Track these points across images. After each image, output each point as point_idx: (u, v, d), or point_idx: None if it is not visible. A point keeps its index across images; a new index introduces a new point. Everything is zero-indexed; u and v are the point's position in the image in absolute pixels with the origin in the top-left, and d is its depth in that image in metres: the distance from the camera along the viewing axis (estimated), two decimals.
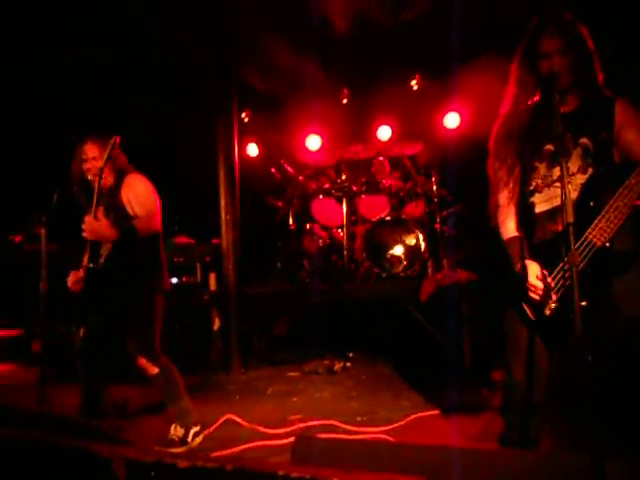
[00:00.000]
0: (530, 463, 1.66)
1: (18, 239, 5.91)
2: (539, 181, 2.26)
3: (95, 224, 2.85)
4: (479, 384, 4.12)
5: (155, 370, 3.03)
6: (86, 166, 3.04)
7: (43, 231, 2.91)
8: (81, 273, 2.97)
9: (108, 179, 3.08)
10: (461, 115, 6.53)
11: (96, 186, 2.92)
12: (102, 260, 3.06)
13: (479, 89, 5.89)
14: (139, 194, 3.05)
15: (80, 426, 1.68)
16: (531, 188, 2.28)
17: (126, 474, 1.25)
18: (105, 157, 2.90)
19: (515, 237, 2.29)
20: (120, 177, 3.10)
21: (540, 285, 2.12)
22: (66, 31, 5.43)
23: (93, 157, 3.05)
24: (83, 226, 2.85)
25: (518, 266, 2.22)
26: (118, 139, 2.93)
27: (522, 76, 2.32)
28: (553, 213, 2.21)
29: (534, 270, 2.15)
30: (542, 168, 2.25)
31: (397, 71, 6.72)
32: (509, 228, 2.31)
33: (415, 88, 6.76)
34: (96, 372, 3.16)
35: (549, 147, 2.23)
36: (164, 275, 3.23)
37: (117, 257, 3.03)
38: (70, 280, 2.99)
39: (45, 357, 3.15)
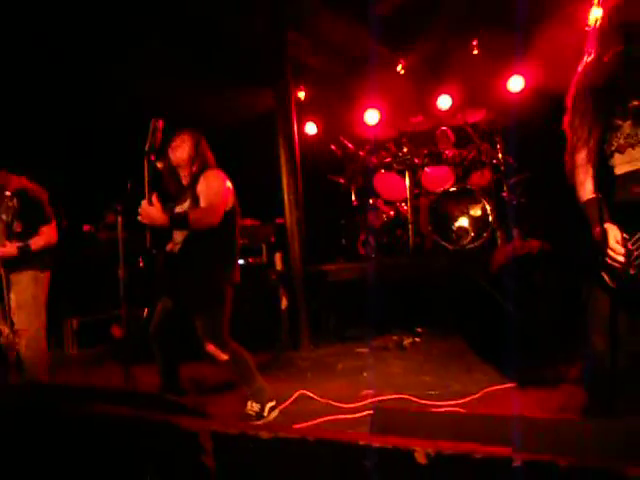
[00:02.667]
0: (618, 432, 1.60)
1: (86, 228, 6.19)
2: (622, 141, 2.10)
3: (148, 208, 2.91)
4: (557, 357, 3.99)
5: (224, 357, 3.08)
6: (174, 156, 3.15)
7: (120, 219, 3.01)
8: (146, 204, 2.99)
9: (184, 169, 3.16)
10: (525, 78, 6.25)
11: (146, 172, 2.95)
12: (177, 247, 3.15)
13: (544, 49, 5.63)
14: (208, 188, 3.08)
15: (166, 402, 1.75)
16: (612, 148, 2.12)
17: (213, 446, 1.29)
18: (149, 140, 2.94)
19: (594, 198, 2.13)
20: (201, 171, 3.15)
21: (621, 250, 1.99)
22: (132, 29, 5.58)
23: (176, 146, 3.14)
24: (139, 210, 2.93)
25: (597, 230, 2.07)
26: (161, 123, 2.96)
27: (605, 26, 2.16)
28: (636, 175, 2.07)
29: (614, 234, 2.02)
30: (626, 127, 2.09)
31: (455, 37, 6.50)
32: (587, 189, 2.17)
33: (475, 53, 6.52)
34: (172, 352, 3.28)
35: (635, 103, 2.07)
36: (235, 267, 3.28)
37: (189, 245, 3.10)
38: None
39: (127, 340, 3.31)
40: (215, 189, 3.08)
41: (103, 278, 5.64)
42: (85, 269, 6.11)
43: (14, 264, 3.63)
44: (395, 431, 1.42)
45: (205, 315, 3.09)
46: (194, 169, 3.16)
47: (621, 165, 2.11)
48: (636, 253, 1.99)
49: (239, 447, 1.28)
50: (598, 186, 2.17)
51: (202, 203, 3.05)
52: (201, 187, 3.09)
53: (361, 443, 1.15)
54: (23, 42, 5.53)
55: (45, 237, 3.70)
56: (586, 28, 2.26)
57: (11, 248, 3.59)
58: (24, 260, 3.64)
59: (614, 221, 2.07)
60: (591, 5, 2.24)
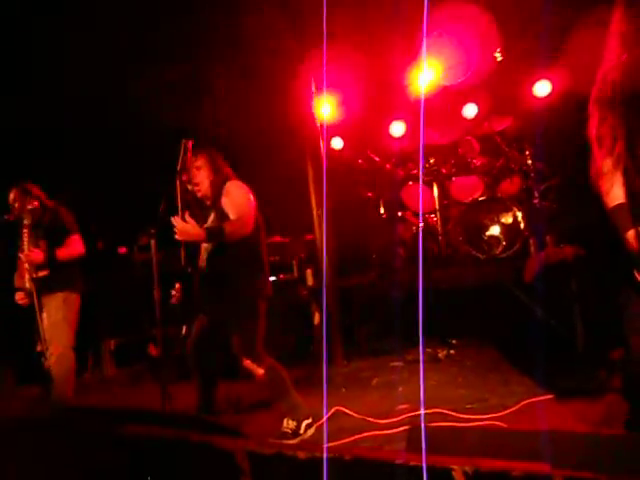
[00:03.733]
0: None
1: (122, 251, 6.34)
2: None
3: (183, 224, 2.97)
4: (596, 365, 3.89)
5: (260, 371, 3.10)
6: (189, 175, 3.19)
7: (153, 242, 3.08)
8: (178, 288, 3.13)
9: (205, 186, 3.21)
10: (552, 82, 6.18)
11: (178, 191, 3.02)
12: (203, 264, 3.20)
13: (571, 52, 5.56)
14: (234, 199, 3.13)
15: (203, 422, 1.78)
16: None
17: (250, 465, 1.31)
18: (181, 160, 3.00)
19: (622, 204, 2.11)
20: (223, 185, 3.21)
21: None
22: (161, 45, 5.73)
23: (197, 167, 3.20)
24: (174, 228, 2.97)
25: (630, 233, 2.06)
26: (190, 143, 3.02)
27: (627, 25, 2.12)
28: None
29: None
30: None
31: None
32: (615, 195, 2.13)
33: (499, 60, 6.47)
34: (209, 370, 3.32)
35: None
36: (266, 279, 3.31)
37: (215, 260, 3.15)
38: (173, 292, 3.17)
39: (164, 359, 3.36)
40: (241, 199, 3.13)
41: (139, 299, 5.75)
42: (121, 291, 6.24)
43: (45, 286, 3.78)
44: (432, 448, 1.41)
45: (240, 330, 3.11)
46: (216, 185, 3.20)
47: None
48: None
49: (276, 467, 1.29)
50: (628, 191, 2.12)
51: (233, 215, 3.08)
52: (226, 200, 3.13)
53: (398, 462, 1.15)
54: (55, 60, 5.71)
55: (71, 248, 3.85)
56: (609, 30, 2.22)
57: (37, 254, 3.76)
58: (52, 278, 3.78)
59: None
60: (615, 6, 2.19)
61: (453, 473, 1.09)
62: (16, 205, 3.92)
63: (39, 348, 3.75)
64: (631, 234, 2.05)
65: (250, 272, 3.20)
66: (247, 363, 3.10)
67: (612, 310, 2.72)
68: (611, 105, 2.13)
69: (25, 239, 3.78)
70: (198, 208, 3.26)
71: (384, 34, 6.01)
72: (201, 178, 3.19)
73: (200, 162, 3.19)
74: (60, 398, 3.64)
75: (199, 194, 3.22)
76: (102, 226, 6.23)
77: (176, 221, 2.94)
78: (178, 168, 2.99)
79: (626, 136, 2.11)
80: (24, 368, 4.29)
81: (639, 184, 2.11)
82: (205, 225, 3.15)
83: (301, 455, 1.27)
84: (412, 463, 1.15)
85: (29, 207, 3.77)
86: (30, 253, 3.75)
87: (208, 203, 3.24)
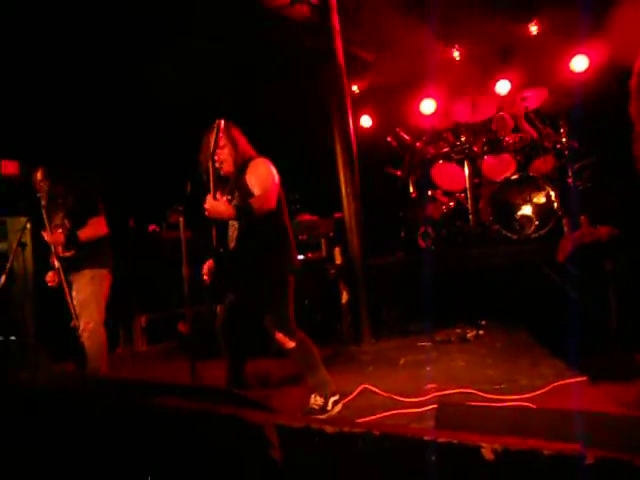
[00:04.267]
0: None
1: (151, 228, 6.42)
2: None
3: (214, 203, 2.98)
4: (630, 348, 3.80)
5: (292, 344, 3.14)
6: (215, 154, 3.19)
7: (181, 219, 3.11)
8: (211, 263, 3.15)
9: (229, 164, 3.22)
10: (589, 57, 5.97)
11: (211, 170, 3.03)
12: (232, 243, 3.22)
13: (609, 26, 5.35)
14: (259, 175, 3.14)
15: (232, 396, 1.79)
16: None
17: (278, 439, 1.31)
18: (213, 142, 3.00)
19: None
20: (245, 162, 3.22)
21: None
22: (179, 29, 5.73)
23: (220, 145, 3.19)
24: (204, 206, 2.99)
25: None
26: (222, 123, 3.02)
27: None
28: None
29: None
30: None
31: (512, 16, 6.27)
32: None
33: (534, 33, 6.28)
34: (238, 347, 3.36)
35: None
36: (293, 253, 3.33)
37: (245, 238, 3.16)
38: (204, 272, 3.19)
39: (193, 336, 3.41)
40: (265, 175, 3.14)
41: (170, 276, 5.85)
42: (152, 268, 6.34)
43: (73, 264, 3.87)
44: (460, 426, 1.40)
45: (271, 304, 3.15)
46: (237, 162, 3.21)
47: None
48: None
49: (304, 441, 1.30)
50: None
51: (257, 191, 3.09)
52: (251, 176, 3.14)
53: (426, 438, 1.14)
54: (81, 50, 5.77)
55: (94, 228, 3.91)
56: None
57: (58, 235, 3.84)
58: (78, 256, 3.87)
59: None
60: None
61: (482, 451, 1.07)
62: (42, 184, 3.99)
63: (73, 324, 3.85)
64: None
65: (279, 247, 3.24)
66: (279, 336, 3.14)
67: None
68: None
69: (45, 220, 3.87)
70: (222, 186, 3.27)
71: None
72: (225, 156, 3.20)
73: (223, 140, 3.19)
74: (95, 373, 3.75)
75: (222, 171, 3.23)
76: (134, 203, 6.32)
77: (207, 199, 2.96)
78: (211, 148, 2.98)
79: None
80: (59, 345, 4.41)
81: None
82: (232, 202, 3.17)
83: (329, 429, 1.27)
84: (441, 440, 1.14)
85: (49, 188, 3.83)
86: (51, 234, 3.84)
87: (231, 180, 3.24)
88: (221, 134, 3.01)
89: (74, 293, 3.89)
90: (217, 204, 3.00)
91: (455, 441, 1.10)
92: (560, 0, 5.61)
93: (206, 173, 3.14)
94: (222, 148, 3.18)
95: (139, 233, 6.48)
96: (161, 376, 4.76)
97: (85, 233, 3.88)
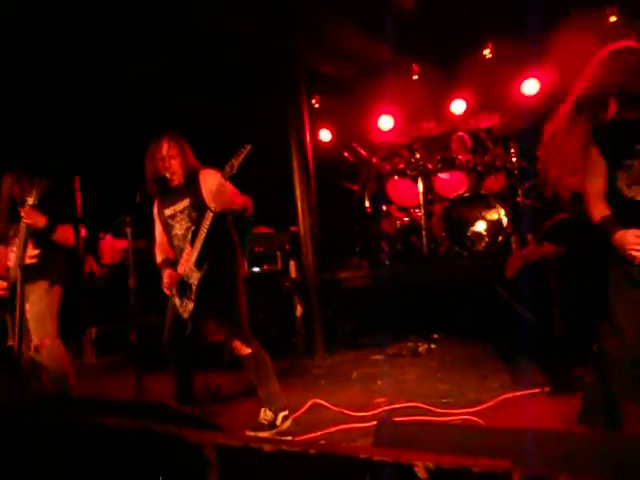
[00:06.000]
0: (628, 446, 1.57)
1: (108, 238, 6.28)
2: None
3: (227, 184, 2.98)
4: (573, 362, 3.93)
5: (248, 350, 3.16)
6: (164, 164, 3.17)
7: (129, 230, 3.06)
8: (172, 273, 3.12)
9: (179, 174, 3.20)
10: (540, 81, 6.21)
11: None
12: (186, 254, 3.18)
13: (558, 51, 5.59)
14: (209, 186, 3.14)
15: (174, 413, 1.77)
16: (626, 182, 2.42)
17: (217, 458, 1.30)
18: (237, 166, 2.94)
19: (609, 215, 2.42)
20: (193, 172, 3.21)
21: None
22: (137, 43, 5.67)
23: (171, 155, 3.17)
24: (217, 191, 2.95)
25: (618, 234, 2.34)
26: (249, 147, 2.99)
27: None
28: None
29: (633, 232, 2.29)
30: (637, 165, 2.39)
31: (468, 41, 6.48)
32: (601, 209, 2.45)
33: (488, 57, 6.49)
34: (187, 360, 3.32)
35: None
36: (243, 260, 3.37)
37: (204, 247, 3.12)
38: (166, 282, 3.15)
39: (139, 348, 3.33)
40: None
41: (120, 287, 5.72)
42: (102, 279, 6.20)
43: (28, 275, 3.66)
44: (399, 443, 1.42)
45: (231, 311, 3.16)
46: (186, 172, 3.21)
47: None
48: None
49: (243, 460, 1.29)
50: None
51: (230, 196, 3.08)
52: (206, 185, 3.14)
53: (362, 456, 1.16)
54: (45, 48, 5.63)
55: (65, 235, 3.73)
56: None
57: (40, 216, 3.55)
58: (39, 266, 3.66)
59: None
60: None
61: (415, 469, 1.09)
62: (14, 190, 3.79)
63: (10, 342, 3.62)
64: (619, 233, 2.35)
65: (235, 255, 3.29)
66: (236, 344, 3.16)
67: (590, 308, 2.85)
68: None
69: (28, 198, 3.54)
70: (170, 196, 3.25)
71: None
72: (176, 167, 3.19)
73: (173, 151, 3.19)
74: (64, 389, 3.55)
75: (174, 182, 3.21)
76: (85, 212, 6.17)
77: (221, 182, 2.95)
78: (234, 170, 2.95)
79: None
80: None
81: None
82: (178, 210, 3.18)
83: (267, 448, 1.27)
84: (376, 458, 1.15)
85: (41, 186, 3.59)
86: (32, 210, 3.52)
87: (181, 190, 3.23)
88: (242, 158, 2.97)
89: (27, 306, 3.62)
90: (227, 189, 2.99)
91: (389, 459, 1.12)
92: (512, 26, 5.82)
93: (151, 182, 3.13)
94: (172, 158, 3.17)
95: (90, 242, 6.33)
96: (108, 390, 4.63)
97: (59, 234, 3.65)
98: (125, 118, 6.31)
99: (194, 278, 3.09)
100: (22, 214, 3.56)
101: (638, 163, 2.39)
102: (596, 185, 2.50)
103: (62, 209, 3.81)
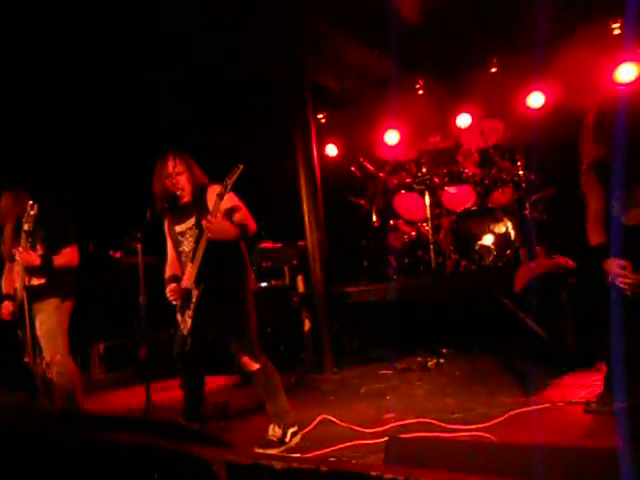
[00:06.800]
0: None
1: (118, 255, 6.30)
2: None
3: (219, 221, 2.98)
4: (584, 375, 3.90)
5: (257, 366, 3.15)
6: (171, 181, 3.19)
7: (139, 246, 3.08)
8: (175, 286, 3.13)
9: (187, 190, 3.23)
10: (545, 93, 6.22)
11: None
12: (194, 269, 3.19)
13: (564, 64, 5.61)
14: (227, 198, 3.14)
15: (183, 429, 1.76)
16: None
17: (226, 476, 1.30)
18: (230, 185, 2.96)
19: (604, 242, 2.88)
20: (201, 188, 3.23)
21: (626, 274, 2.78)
22: (139, 57, 5.73)
23: (177, 172, 3.20)
24: (206, 225, 2.95)
25: (608, 262, 2.83)
26: (241, 166, 3.01)
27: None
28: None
29: (617, 262, 2.77)
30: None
31: (473, 55, 6.52)
32: (598, 234, 2.93)
33: (494, 70, 6.52)
34: (197, 375, 3.31)
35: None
36: (252, 275, 3.36)
37: (213, 262, 3.13)
38: (170, 294, 3.17)
39: (149, 364, 3.34)
40: (234, 197, 3.18)
41: (129, 303, 5.74)
42: (111, 294, 6.22)
43: (37, 294, 3.69)
44: (409, 460, 1.41)
45: (240, 327, 3.16)
46: (194, 189, 3.23)
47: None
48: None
49: (253, 477, 1.29)
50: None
51: (236, 213, 3.12)
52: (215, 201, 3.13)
53: (373, 474, 1.15)
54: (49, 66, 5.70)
55: (67, 257, 3.76)
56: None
57: (34, 257, 3.63)
58: (47, 285, 3.70)
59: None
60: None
61: None
62: (5, 210, 3.85)
63: (27, 359, 3.65)
64: (611, 262, 2.82)
65: (244, 270, 3.28)
66: (244, 359, 3.14)
67: (599, 321, 2.95)
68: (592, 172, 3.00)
69: (23, 239, 3.62)
70: (179, 213, 3.27)
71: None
72: (184, 183, 3.22)
73: (180, 168, 3.21)
74: (73, 406, 3.54)
75: (183, 199, 3.23)
76: (92, 228, 6.21)
77: (210, 219, 2.94)
78: (227, 189, 2.97)
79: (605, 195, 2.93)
80: (11, 378, 4.20)
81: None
82: (187, 227, 3.20)
83: (277, 465, 1.27)
84: (387, 476, 1.14)
85: (31, 213, 3.64)
86: (27, 253, 3.60)
87: (189, 207, 3.25)
88: (235, 177, 2.99)
89: (37, 324, 3.65)
90: (222, 222, 3.00)
91: (401, 477, 1.11)
92: (516, 39, 5.86)
93: (160, 199, 3.16)
94: (180, 174, 3.19)
95: (98, 258, 6.36)
96: (117, 406, 4.63)
97: (59, 261, 3.70)
98: (135, 134, 6.36)
99: (193, 295, 3.11)
100: (16, 256, 3.63)
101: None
102: (594, 207, 2.94)
103: (62, 230, 3.83)
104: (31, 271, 3.69)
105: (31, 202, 3.63)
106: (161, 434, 1.58)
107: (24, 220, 3.60)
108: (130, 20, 5.30)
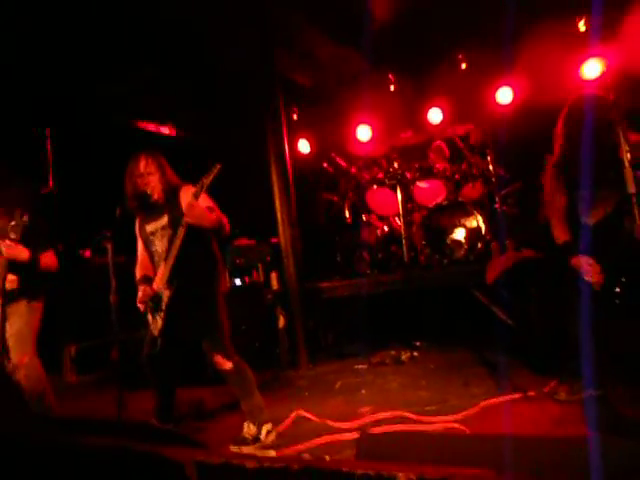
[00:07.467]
0: (617, 451, 1.58)
1: (88, 254, 6.18)
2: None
3: (197, 204, 2.95)
4: (553, 367, 3.98)
5: (230, 365, 3.14)
6: (143, 181, 3.16)
7: (110, 246, 3.03)
8: (147, 289, 3.10)
9: (158, 190, 3.19)
10: (514, 89, 6.32)
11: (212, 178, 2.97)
12: (167, 268, 3.15)
13: (531, 60, 5.70)
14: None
15: (155, 430, 1.75)
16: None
17: (198, 476, 1.29)
18: (207, 184, 2.92)
19: (569, 240, 3.04)
20: (173, 188, 3.21)
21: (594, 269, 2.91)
22: (116, 53, 5.64)
23: (149, 172, 3.17)
24: (187, 209, 2.93)
25: (575, 259, 2.96)
26: (219, 166, 2.97)
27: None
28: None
29: (586, 259, 2.90)
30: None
31: (443, 51, 6.58)
32: (563, 231, 3.06)
33: (463, 67, 6.59)
34: (168, 375, 3.29)
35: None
36: (225, 276, 3.35)
37: (185, 262, 3.11)
38: (140, 298, 3.14)
39: (121, 365, 3.29)
40: (206, 198, 3.16)
41: (101, 303, 5.65)
42: (82, 295, 6.10)
43: (10, 296, 3.60)
44: (382, 454, 1.42)
45: (213, 326, 3.15)
46: (165, 188, 3.21)
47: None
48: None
49: (225, 477, 1.28)
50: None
51: (206, 212, 3.07)
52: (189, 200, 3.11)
53: (344, 470, 1.15)
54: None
55: (50, 260, 3.67)
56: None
57: (23, 250, 3.45)
58: (21, 287, 3.61)
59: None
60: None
61: None
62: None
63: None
64: (576, 259, 2.95)
65: (216, 270, 3.28)
66: (217, 358, 3.14)
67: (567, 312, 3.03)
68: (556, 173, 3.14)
69: (10, 232, 3.40)
70: (150, 212, 3.24)
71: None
72: (155, 183, 3.20)
73: (151, 168, 3.19)
74: (42, 408, 3.47)
75: (154, 199, 3.20)
76: (63, 228, 6.09)
77: (191, 202, 2.91)
78: (204, 188, 2.94)
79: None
80: None
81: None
82: (159, 226, 3.18)
83: (249, 465, 1.26)
84: (359, 471, 1.15)
85: (21, 221, 3.51)
86: (15, 245, 3.41)
87: (161, 206, 3.22)
88: (213, 176, 2.95)
89: (7, 326, 3.52)
90: (202, 208, 2.98)
91: (372, 472, 1.12)
92: (484, 36, 5.93)
93: (131, 199, 3.12)
94: (151, 175, 3.17)
95: (67, 258, 6.23)
96: (89, 408, 4.56)
97: (44, 261, 3.57)
98: (103, 132, 6.26)
99: (165, 295, 3.08)
100: (3, 248, 3.52)
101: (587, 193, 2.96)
102: (557, 205, 3.08)
103: (44, 235, 3.75)
104: (7, 273, 3.58)
105: (20, 210, 3.53)
106: (133, 435, 1.56)
107: (9, 228, 3.49)
108: (102, 18, 5.21)
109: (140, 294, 3.16)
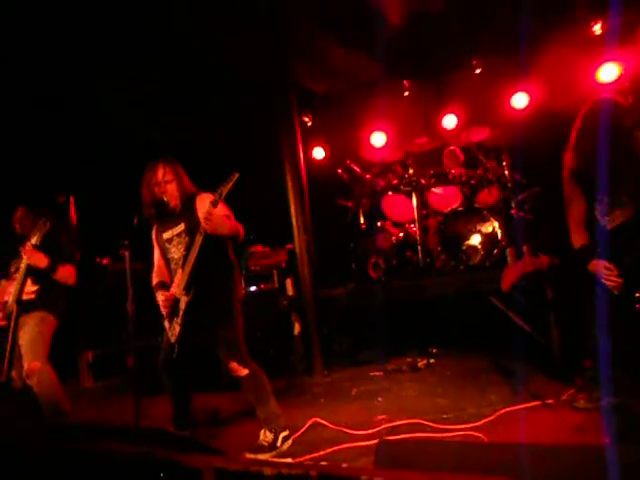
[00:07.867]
0: (636, 460, 1.56)
1: (106, 262, 6.25)
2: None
3: (217, 211, 2.97)
4: (572, 373, 3.93)
5: (246, 371, 3.15)
6: (161, 189, 3.19)
7: (127, 254, 3.07)
8: (167, 294, 3.13)
9: (176, 198, 3.23)
10: (529, 94, 6.28)
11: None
12: (183, 276, 3.18)
13: (547, 65, 5.67)
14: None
15: (172, 437, 1.76)
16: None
17: None
18: (225, 193, 2.94)
19: (587, 244, 3.03)
20: (190, 197, 3.24)
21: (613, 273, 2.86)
22: (128, 60, 5.70)
23: (166, 180, 3.20)
24: (207, 215, 2.92)
25: (593, 263, 2.94)
26: (237, 175, 2.97)
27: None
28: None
29: (604, 263, 2.87)
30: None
31: (458, 57, 6.56)
32: (581, 236, 3.07)
33: (478, 72, 6.57)
34: (184, 382, 3.30)
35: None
36: (240, 282, 3.37)
37: (201, 269, 3.13)
38: (162, 302, 3.16)
39: (138, 372, 3.32)
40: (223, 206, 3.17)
41: (118, 310, 5.70)
42: (100, 302, 6.16)
43: (25, 307, 3.66)
44: (400, 462, 1.41)
45: (228, 333, 3.16)
46: (182, 197, 3.25)
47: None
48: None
49: None
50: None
51: (224, 220, 3.09)
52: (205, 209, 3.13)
53: (363, 478, 1.15)
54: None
55: (68, 273, 3.72)
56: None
57: (43, 257, 3.58)
58: (37, 299, 3.67)
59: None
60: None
61: None
62: (24, 223, 3.82)
63: (4, 377, 3.59)
64: (595, 263, 2.93)
65: (232, 276, 3.29)
66: (233, 365, 3.15)
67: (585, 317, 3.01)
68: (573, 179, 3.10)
69: (32, 236, 3.60)
70: (167, 220, 3.27)
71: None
72: (172, 191, 3.24)
73: (169, 176, 3.22)
74: (57, 414, 3.50)
75: (171, 206, 3.24)
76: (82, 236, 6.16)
77: (209, 210, 2.92)
78: (222, 196, 2.95)
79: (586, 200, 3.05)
80: None
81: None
82: (175, 233, 3.21)
83: (267, 471, 1.27)
84: (377, 479, 1.15)
85: (44, 227, 3.57)
86: (36, 251, 3.56)
87: (178, 214, 3.26)
88: (231, 185, 2.97)
89: (20, 334, 3.62)
90: (221, 216, 3.00)
91: None
92: (500, 41, 5.91)
93: (148, 207, 3.16)
94: (168, 183, 3.20)
95: (86, 266, 6.29)
96: (106, 414, 4.59)
97: (62, 272, 3.67)
98: (121, 140, 6.33)
99: (182, 302, 3.10)
100: (24, 253, 3.60)
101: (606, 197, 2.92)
102: (575, 211, 3.07)
103: (65, 248, 3.82)
104: (26, 280, 3.65)
105: (44, 219, 3.63)
106: (151, 442, 1.57)
107: (32, 234, 3.59)
108: (115, 20, 5.28)
109: (163, 298, 3.18)
